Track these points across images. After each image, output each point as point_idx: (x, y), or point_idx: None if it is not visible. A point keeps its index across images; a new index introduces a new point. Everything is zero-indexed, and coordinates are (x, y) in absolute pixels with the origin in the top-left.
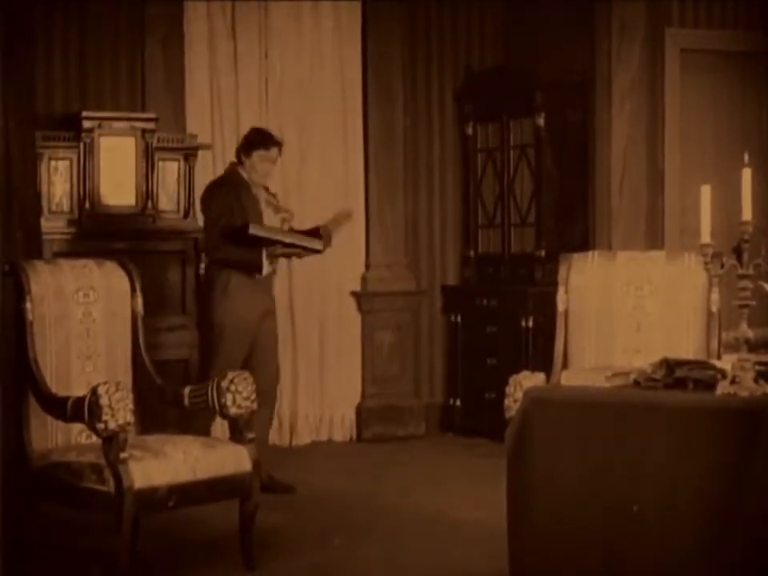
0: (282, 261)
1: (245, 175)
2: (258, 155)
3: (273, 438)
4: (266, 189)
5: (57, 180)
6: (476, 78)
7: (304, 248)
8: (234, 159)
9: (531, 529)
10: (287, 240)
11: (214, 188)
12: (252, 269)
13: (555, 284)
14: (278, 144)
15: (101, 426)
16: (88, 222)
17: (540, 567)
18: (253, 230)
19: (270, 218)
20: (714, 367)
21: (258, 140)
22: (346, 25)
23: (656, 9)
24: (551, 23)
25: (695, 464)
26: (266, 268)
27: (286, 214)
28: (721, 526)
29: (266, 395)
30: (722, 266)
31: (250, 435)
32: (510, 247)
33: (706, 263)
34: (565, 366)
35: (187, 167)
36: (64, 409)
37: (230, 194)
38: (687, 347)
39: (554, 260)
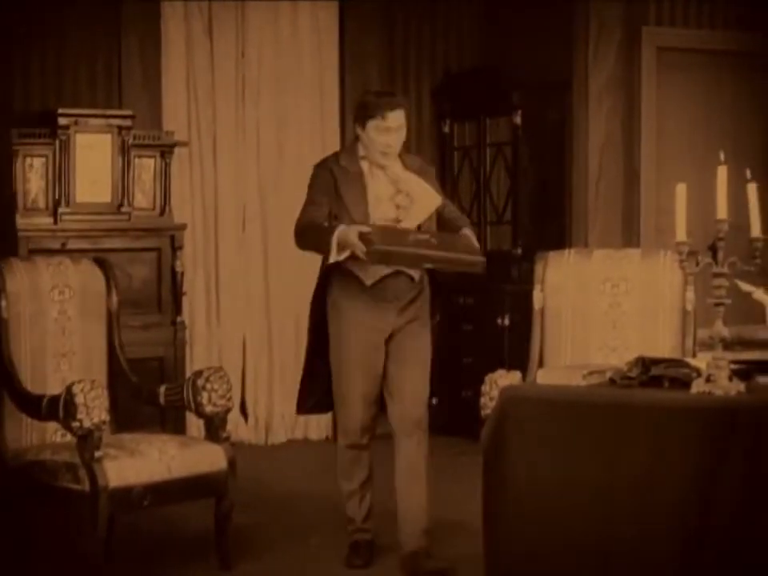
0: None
1: (360, 152)
2: (373, 126)
3: (248, 436)
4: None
5: (32, 177)
6: (454, 77)
7: (448, 260)
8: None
9: (507, 528)
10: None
11: (313, 170)
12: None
13: (531, 282)
14: (399, 107)
15: (76, 424)
16: (63, 220)
17: (516, 567)
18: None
19: (381, 205)
20: (689, 365)
21: (370, 106)
22: (324, 24)
23: (633, 7)
24: (529, 22)
25: (671, 462)
26: (334, 256)
27: (401, 196)
28: (697, 524)
29: (404, 426)
30: (698, 264)
31: (225, 434)
32: (486, 245)
33: (681, 261)
34: (541, 364)
35: (163, 164)
36: (39, 407)
37: (322, 178)
38: (663, 345)
39: (531, 258)
